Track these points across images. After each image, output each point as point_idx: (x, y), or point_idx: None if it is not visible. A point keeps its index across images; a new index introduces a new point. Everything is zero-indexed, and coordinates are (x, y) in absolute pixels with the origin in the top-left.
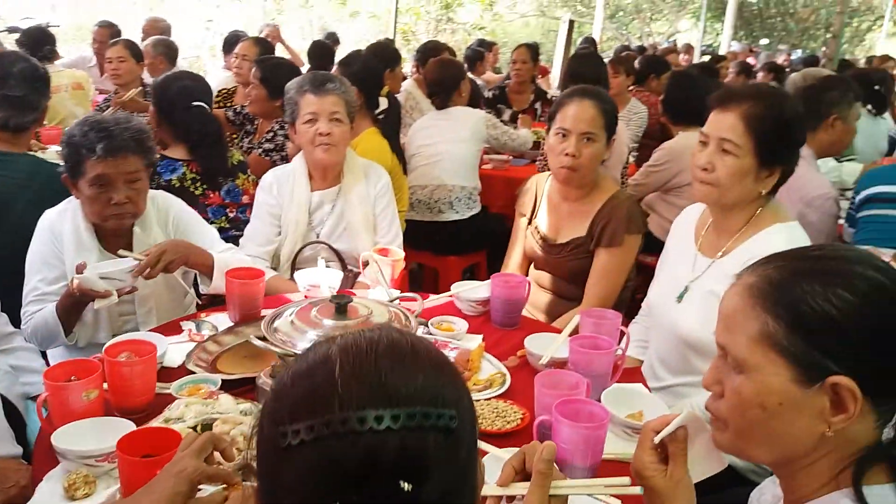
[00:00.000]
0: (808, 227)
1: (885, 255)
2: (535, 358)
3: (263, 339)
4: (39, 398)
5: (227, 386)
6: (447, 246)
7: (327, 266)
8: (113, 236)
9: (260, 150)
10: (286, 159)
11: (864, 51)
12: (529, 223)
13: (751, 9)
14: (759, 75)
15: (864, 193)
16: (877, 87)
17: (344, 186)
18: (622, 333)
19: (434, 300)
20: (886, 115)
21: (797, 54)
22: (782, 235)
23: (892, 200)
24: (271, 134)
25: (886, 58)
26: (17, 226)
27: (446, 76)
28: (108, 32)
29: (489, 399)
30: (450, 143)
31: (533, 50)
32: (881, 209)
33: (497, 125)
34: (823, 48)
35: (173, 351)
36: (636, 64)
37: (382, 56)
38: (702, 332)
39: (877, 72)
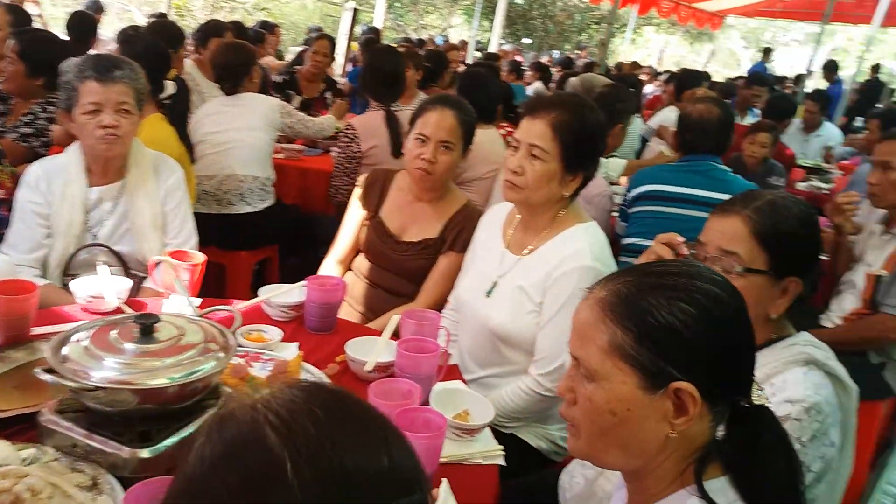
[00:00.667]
0: None
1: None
2: (357, 364)
3: (51, 370)
4: None
5: None
6: (237, 240)
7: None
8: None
9: (16, 135)
10: (48, 146)
11: (609, 54)
12: (374, 217)
13: (516, 9)
14: (528, 73)
15: (635, 191)
16: (632, 90)
17: (129, 182)
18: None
19: (241, 306)
20: (637, 116)
21: (555, 55)
22: (582, 234)
23: (660, 198)
24: (30, 117)
25: (636, 64)
26: None
27: (236, 60)
28: None
29: None
30: (241, 131)
31: (333, 43)
32: (651, 206)
33: (292, 113)
34: (577, 51)
35: None
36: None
37: (164, 35)
38: (511, 325)
39: (629, 76)
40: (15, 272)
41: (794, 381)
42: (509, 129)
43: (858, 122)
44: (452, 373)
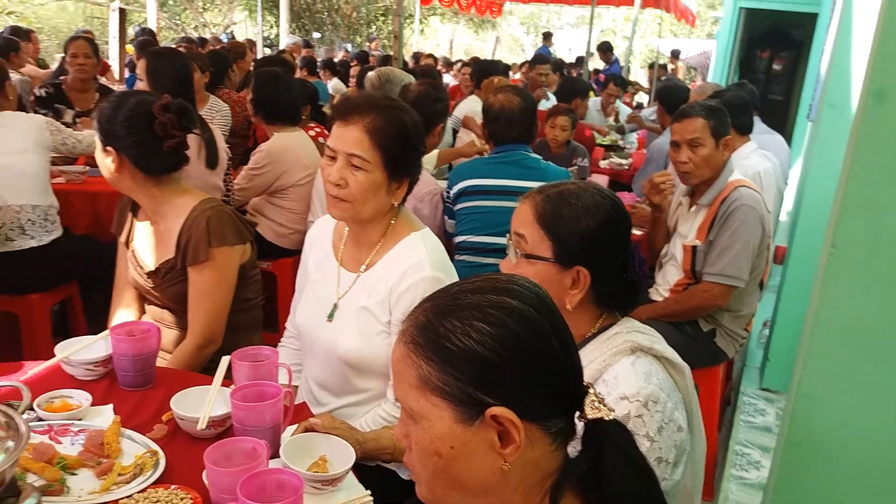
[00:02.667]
0: (423, 220)
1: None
2: (188, 423)
3: None
4: None
5: None
6: (27, 282)
7: None
8: None
9: None
10: None
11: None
12: (127, 247)
13: (299, 3)
14: (352, 68)
15: (457, 187)
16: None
17: None
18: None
19: (33, 370)
20: None
21: (349, 48)
22: (419, 243)
23: (481, 192)
24: None
25: (430, 55)
26: None
27: None
28: None
29: (144, 490)
30: (7, 156)
31: (94, 43)
32: (474, 200)
33: (60, 129)
34: (368, 43)
35: None
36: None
37: None
38: (362, 349)
39: (429, 69)
40: None
41: (624, 375)
42: (317, 129)
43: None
44: (301, 411)
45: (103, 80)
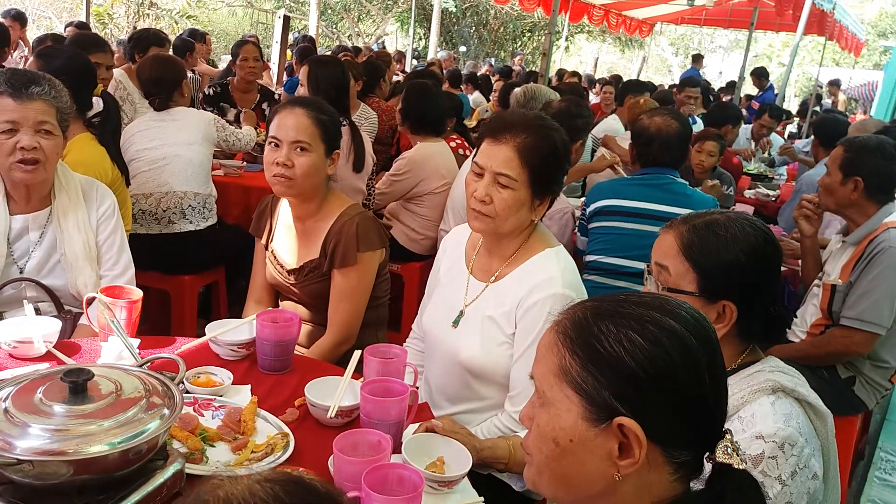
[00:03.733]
0: None
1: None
2: (318, 409)
3: None
4: None
5: None
6: (180, 263)
7: (37, 310)
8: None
9: None
10: None
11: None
12: (266, 248)
13: (449, 17)
14: (495, 83)
15: (593, 206)
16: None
17: (56, 209)
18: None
19: (186, 346)
20: None
21: (492, 62)
22: (553, 260)
23: (619, 213)
24: None
25: (574, 73)
26: None
27: (166, 75)
28: None
29: (274, 469)
30: (177, 146)
31: (260, 47)
32: (610, 221)
33: (224, 126)
34: (512, 58)
35: None
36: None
37: (86, 46)
38: (482, 357)
39: (575, 86)
40: None
41: (762, 414)
42: (458, 140)
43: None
44: (422, 412)
45: (262, 82)
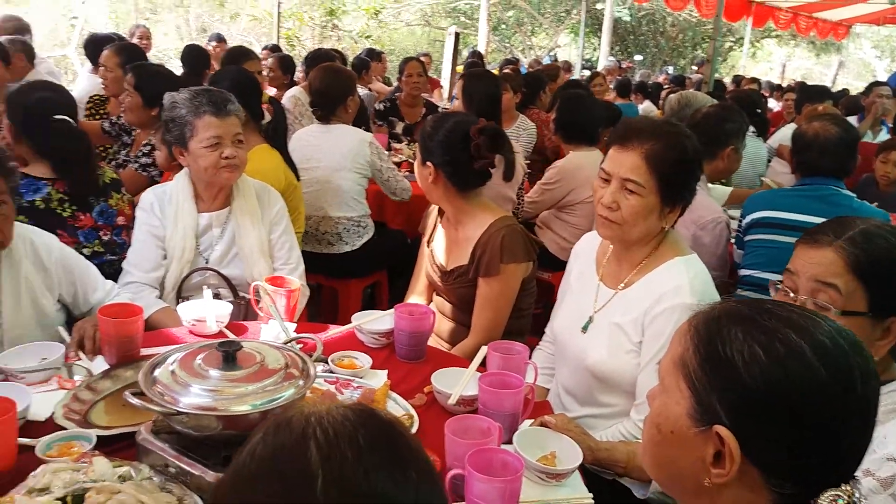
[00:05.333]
0: (703, 249)
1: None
2: (443, 396)
3: (140, 394)
4: None
5: (104, 442)
6: (343, 273)
7: (216, 295)
8: None
9: (136, 165)
10: (163, 175)
11: (727, 69)
12: (427, 246)
13: (624, 26)
14: (665, 91)
15: (749, 217)
16: (759, 111)
17: (235, 208)
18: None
19: (334, 332)
20: (757, 136)
21: (670, 70)
22: (682, 269)
23: (776, 226)
24: (148, 147)
25: (754, 79)
26: None
27: (333, 87)
28: None
29: None
30: (330, 172)
31: (423, 63)
32: (766, 234)
33: (382, 156)
34: (694, 67)
35: (39, 402)
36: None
37: (237, 58)
38: (609, 363)
39: (749, 93)
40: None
41: (895, 435)
42: None
43: None
44: (544, 408)
45: (431, 97)
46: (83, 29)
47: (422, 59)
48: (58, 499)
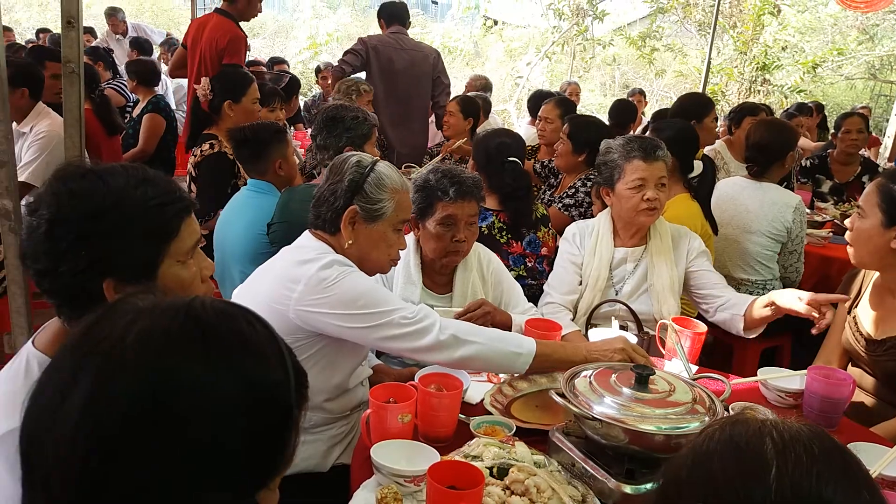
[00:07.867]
0: None
1: None
2: None
3: (562, 395)
4: (363, 414)
5: (519, 433)
6: None
7: (622, 327)
8: (437, 274)
9: (560, 205)
10: (583, 216)
11: None
12: (849, 313)
13: None
14: None
15: None
16: None
17: (651, 247)
18: None
19: (738, 381)
20: None
21: None
22: None
23: None
24: (573, 190)
25: None
26: None
27: (774, 142)
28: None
29: None
30: (743, 232)
31: (866, 119)
32: None
33: (804, 220)
34: None
35: (474, 388)
36: None
37: (690, 110)
38: None
39: None
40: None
41: None
42: None
43: None
44: None
45: (868, 154)
46: (523, 87)
47: (863, 112)
48: (487, 467)
